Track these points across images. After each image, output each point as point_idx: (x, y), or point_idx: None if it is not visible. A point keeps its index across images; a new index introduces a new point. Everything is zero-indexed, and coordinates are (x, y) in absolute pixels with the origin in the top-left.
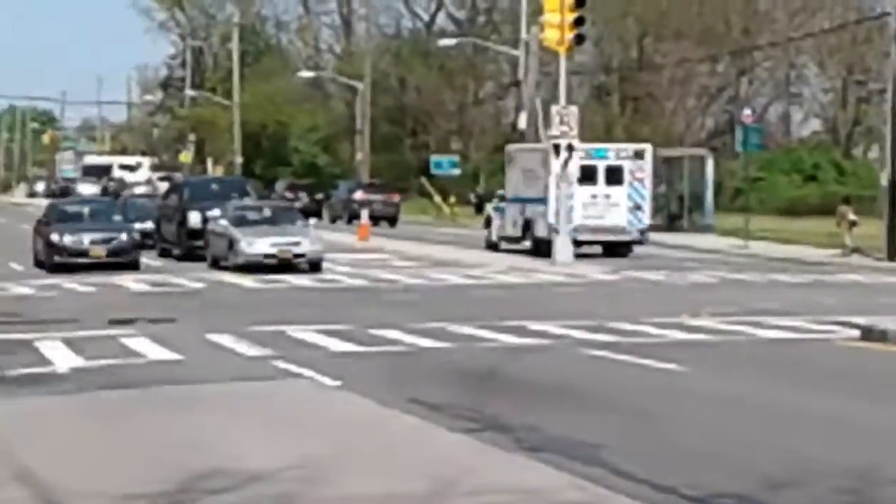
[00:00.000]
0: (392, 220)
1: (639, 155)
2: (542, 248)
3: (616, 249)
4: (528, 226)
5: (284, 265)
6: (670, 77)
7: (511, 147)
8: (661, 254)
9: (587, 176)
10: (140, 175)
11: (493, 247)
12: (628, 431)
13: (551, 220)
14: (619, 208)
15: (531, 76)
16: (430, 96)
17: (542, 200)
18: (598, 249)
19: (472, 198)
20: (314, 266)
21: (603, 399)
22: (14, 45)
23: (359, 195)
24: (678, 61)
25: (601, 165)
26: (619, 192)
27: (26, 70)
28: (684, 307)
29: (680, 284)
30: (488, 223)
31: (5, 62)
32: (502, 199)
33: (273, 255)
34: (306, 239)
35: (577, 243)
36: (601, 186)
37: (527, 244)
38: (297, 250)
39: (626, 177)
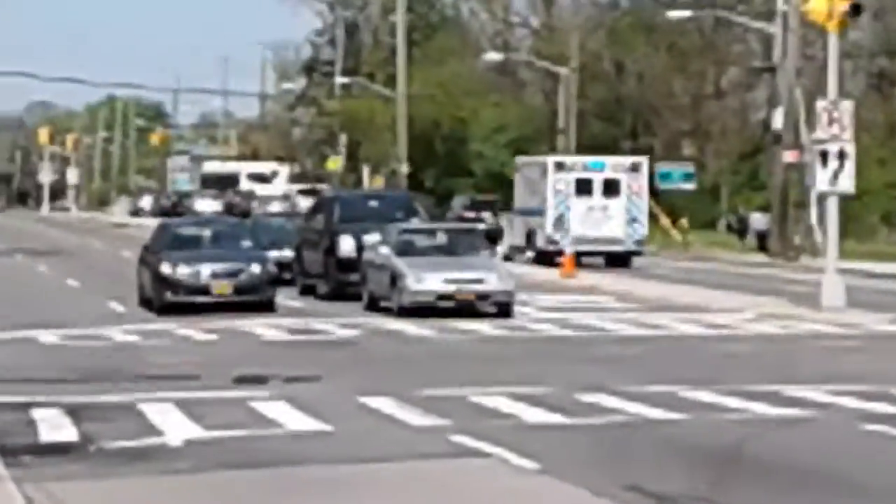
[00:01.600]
0: None
1: (635, 168)
2: (542, 259)
3: (615, 261)
4: (529, 237)
5: (464, 308)
6: None
7: (519, 159)
8: None
9: (584, 189)
10: (276, 188)
11: (507, 259)
12: None
13: (549, 231)
14: (615, 220)
15: (790, 60)
16: (655, 86)
17: (541, 212)
18: (599, 261)
19: (732, 221)
20: (503, 309)
21: (886, 490)
22: (113, 20)
23: None
24: None
25: (598, 178)
26: (616, 205)
27: (129, 51)
28: None
29: None
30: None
31: (102, 40)
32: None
33: (449, 296)
34: (493, 274)
35: (578, 255)
36: (598, 198)
37: (530, 254)
38: (480, 289)
39: (623, 189)
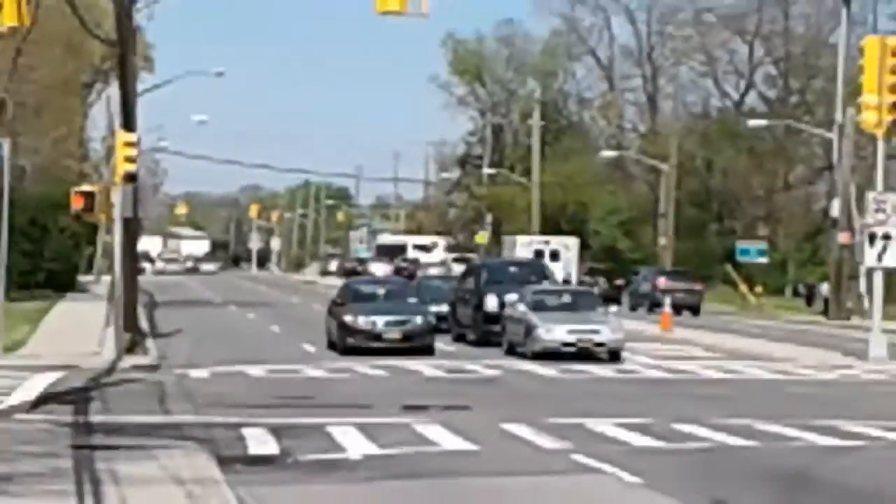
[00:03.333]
0: (695, 310)
1: (567, 246)
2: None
3: None
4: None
5: (583, 353)
6: None
7: (507, 238)
8: None
9: (539, 255)
10: (435, 256)
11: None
12: None
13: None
14: (557, 274)
15: (845, 160)
16: (737, 180)
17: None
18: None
19: (801, 289)
20: (614, 356)
21: None
22: (311, 119)
23: (661, 282)
24: None
25: (547, 249)
26: (557, 266)
27: (322, 145)
28: None
29: None
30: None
31: (302, 136)
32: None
33: (572, 343)
34: (607, 327)
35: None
36: (546, 261)
37: None
38: (597, 339)
39: (562, 257)
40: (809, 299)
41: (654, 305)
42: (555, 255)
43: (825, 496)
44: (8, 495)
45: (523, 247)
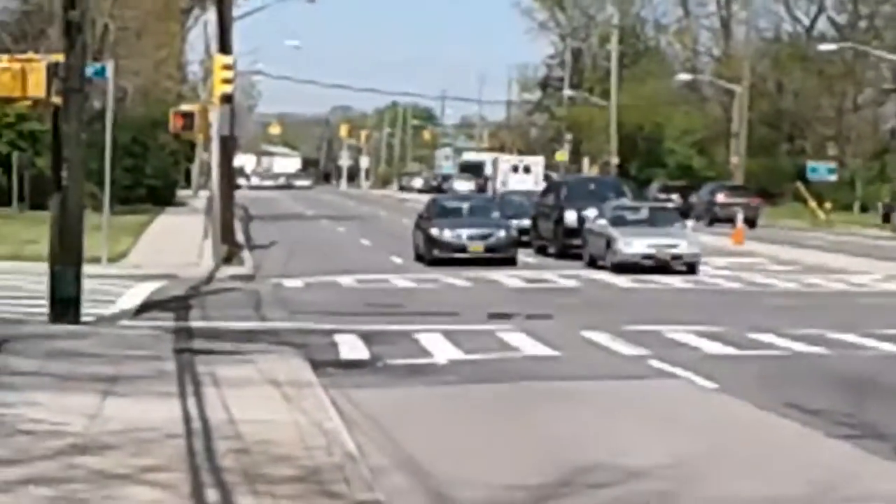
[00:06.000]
0: (751, 223)
1: (536, 163)
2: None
3: None
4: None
5: (661, 266)
6: None
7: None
8: None
9: (515, 169)
10: (530, 180)
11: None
12: None
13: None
14: (529, 182)
15: None
16: (807, 101)
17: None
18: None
19: (880, 207)
20: (691, 268)
21: None
22: (399, 43)
23: (720, 197)
24: None
25: (521, 165)
26: (530, 177)
27: (409, 68)
28: None
29: None
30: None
31: (391, 60)
32: None
33: (651, 256)
34: (684, 241)
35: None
36: (521, 175)
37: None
38: (675, 252)
39: (533, 171)
40: (887, 217)
41: (714, 220)
42: (528, 170)
43: (893, 399)
44: (115, 395)
45: (505, 163)
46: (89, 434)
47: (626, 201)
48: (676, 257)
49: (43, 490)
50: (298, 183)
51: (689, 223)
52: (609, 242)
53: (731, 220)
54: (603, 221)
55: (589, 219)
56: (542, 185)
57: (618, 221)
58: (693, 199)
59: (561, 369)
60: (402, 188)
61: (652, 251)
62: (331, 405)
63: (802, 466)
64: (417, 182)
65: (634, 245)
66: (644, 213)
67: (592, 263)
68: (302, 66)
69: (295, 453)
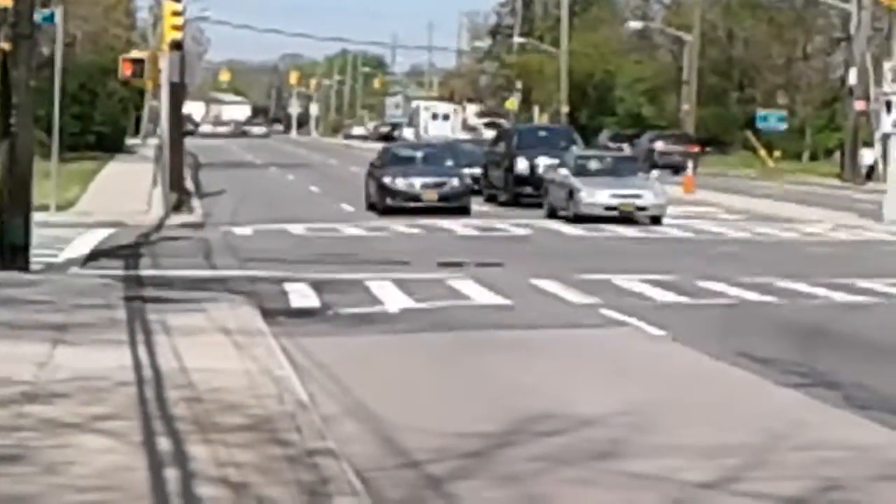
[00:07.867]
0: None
1: (455, 111)
2: None
3: None
4: None
5: (625, 218)
6: None
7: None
8: None
9: (434, 117)
10: (447, 127)
11: None
12: None
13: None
14: (446, 129)
15: (862, 31)
16: (758, 49)
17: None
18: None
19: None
20: (655, 220)
21: None
22: None
23: (660, 145)
24: None
25: (440, 112)
26: (447, 125)
27: (359, 15)
28: None
29: None
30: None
31: (341, 6)
32: None
33: (614, 207)
34: (649, 191)
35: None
36: (440, 122)
37: None
38: (639, 203)
39: (451, 118)
40: (869, 175)
41: (653, 167)
42: (446, 117)
43: (843, 349)
44: (65, 344)
45: (425, 111)
46: (39, 382)
47: (581, 149)
48: (641, 208)
49: None
50: (255, 130)
51: (655, 173)
52: (571, 193)
53: (671, 167)
54: (565, 171)
55: (550, 168)
56: (459, 133)
57: (580, 171)
58: (633, 147)
59: (512, 318)
60: (346, 136)
61: (615, 202)
62: (282, 353)
63: (753, 415)
64: (357, 130)
65: (597, 196)
66: (608, 163)
67: (553, 214)
68: (251, 13)
69: (246, 402)
